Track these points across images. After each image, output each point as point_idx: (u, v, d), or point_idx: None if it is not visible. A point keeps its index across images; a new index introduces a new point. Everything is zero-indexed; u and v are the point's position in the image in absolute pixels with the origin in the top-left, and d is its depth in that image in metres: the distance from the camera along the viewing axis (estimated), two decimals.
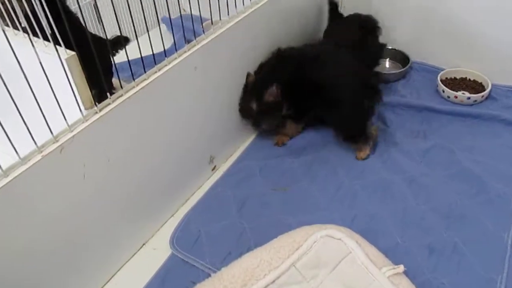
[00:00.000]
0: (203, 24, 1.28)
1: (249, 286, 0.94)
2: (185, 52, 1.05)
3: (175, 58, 1.02)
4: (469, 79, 1.53)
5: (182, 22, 1.17)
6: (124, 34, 1.16)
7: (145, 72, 0.96)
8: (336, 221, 1.11)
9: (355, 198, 1.18)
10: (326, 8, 1.58)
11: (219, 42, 1.12)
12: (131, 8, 0.94)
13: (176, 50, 1.03)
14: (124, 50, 0.96)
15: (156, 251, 1.11)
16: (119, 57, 1.12)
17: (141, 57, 0.94)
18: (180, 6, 1.13)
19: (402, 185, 1.21)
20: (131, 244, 1.10)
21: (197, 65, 1.08)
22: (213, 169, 1.30)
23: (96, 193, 0.93)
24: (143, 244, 1.12)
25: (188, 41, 1.08)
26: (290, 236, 1.03)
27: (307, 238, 1.01)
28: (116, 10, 0.92)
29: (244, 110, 1.31)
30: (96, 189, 0.93)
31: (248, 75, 1.28)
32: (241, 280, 0.95)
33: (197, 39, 1.08)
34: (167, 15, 1.28)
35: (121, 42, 1.11)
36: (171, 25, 1.18)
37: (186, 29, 1.33)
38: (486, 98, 1.47)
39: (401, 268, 0.93)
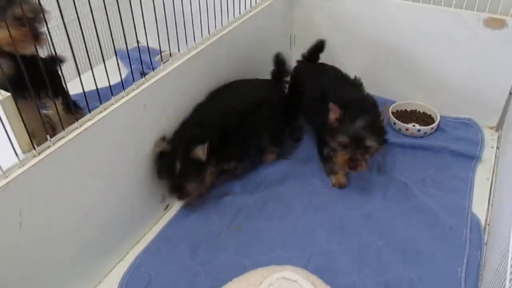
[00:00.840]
0: (162, 55, 1.25)
1: None
2: (133, 90, 1.01)
3: (123, 97, 0.99)
4: (419, 112, 1.58)
5: (129, 57, 1.12)
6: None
7: (89, 111, 0.92)
8: (292, 260, 1.09)
9: (311, 236, 1.16)
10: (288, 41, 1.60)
11: (168, 79, 1.10)
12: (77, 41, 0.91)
13: (123, 89, 1.00)
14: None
15: None
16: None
17: (84, 93, 0.90)
18: (127, 38, 1.10)
19: (358, 221, 1.20)
20: None
21: (146, 103, 1.04)
22: (165, 208, 1.25)
23: (35, 241, 0.86)
24: None
25: (145, 74, 1.06)
26: (245, 279, 0.99)
27: (262, 280, 0.97)
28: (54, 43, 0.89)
29: (164, 170, 1.15)
30: (35, 237, 0.86)
31: (161, 141, 1.14)
32: None
33: (146, 76, 1.05)
34: (121, 48, 1.24)
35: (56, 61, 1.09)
36: (117, 60, 1.14)
37: (140, 62, 1.30)
38: (436, 130, 1.51)
39: None
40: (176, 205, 1.27)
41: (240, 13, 1.39)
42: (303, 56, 1.50)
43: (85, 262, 1.02)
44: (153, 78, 1.06)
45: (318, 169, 1.37)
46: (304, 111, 1.44)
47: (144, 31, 1.04)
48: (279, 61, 1.41)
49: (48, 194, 0.86)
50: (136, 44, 1.17)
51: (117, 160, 1.02)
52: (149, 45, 1.08)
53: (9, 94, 0.76)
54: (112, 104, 0.96)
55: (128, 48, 1.05)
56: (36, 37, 1.00)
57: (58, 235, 0.92)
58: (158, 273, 1.08)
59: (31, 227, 0.84)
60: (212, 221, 1.21)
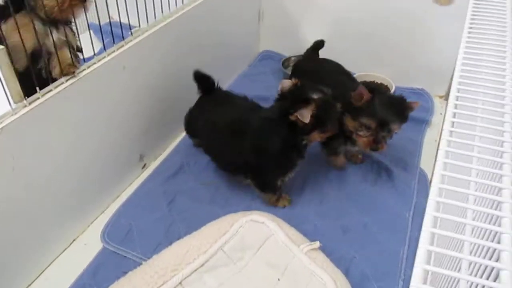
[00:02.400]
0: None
1: (179, 270, 0.99)
2: (113, 51, 1.10)
3: (104, 57, 1.07)
4: (376, 82, 1.71)
5: (111, 27, 1.20)
6: None
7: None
8: (261, 210, 1.20)
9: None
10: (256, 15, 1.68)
11: (147, 43, 1.18)
12: None
13: (105, 50, 1.08)
14: None
15: (87, 246, 1.13)
16: None
17: (72, 49, 0.98)
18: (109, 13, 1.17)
19: (319, 177, 1.33)
20: (61, 240, 1.11)
21: (126, 64, 1.13)
22: (143, 167, 1.34)
23: (25, 186, 0.95)
24: (74, 240, 1.14)
25: None
26: (217, 223, 1.10)
27: (233, 223, 1.09)
28: None
29: None
30: (25, 182, 0.94)
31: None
32: (172, 265, 1.00)
33: (125, 40, 1.13)
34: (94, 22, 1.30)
35: None
36: (101, 30, 1.20)
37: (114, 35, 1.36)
38: None
39: (317, 244, 1.03)
40: (153, 165, 1.37)
41: None
42: (304, 55, 1.57)
43: (70, 212, 1.11)
44: (131, 41, 1.14)
45: None
46: None
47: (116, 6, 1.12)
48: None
49: (37, 142, 0.94)
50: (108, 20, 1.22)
51: (98, 116, 1.10)
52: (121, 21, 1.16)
53: (2, 46, 0.83)
54: (95, 63, 1.04)
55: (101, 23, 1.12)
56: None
57: (47, 183, 1.00)
58: (137, 222, 1.17)
59: (23, 172, 0.92)
60: (188, 177, 1.32)
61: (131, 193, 1.26)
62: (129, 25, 1.19)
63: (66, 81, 0.97)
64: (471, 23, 0.75)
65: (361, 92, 1.15)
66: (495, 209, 0.49)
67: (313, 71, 1.45)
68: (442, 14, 1.54)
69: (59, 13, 0.97)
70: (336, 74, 1.41)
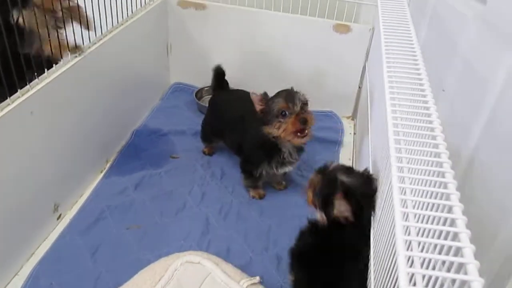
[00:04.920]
0: None
1: None
2: (18, 97, 1.00)
3: (8, 104, 0.98)
4: None
5: None
6: None
7: None
8: (193, 248, 1.17)
9: (207, 225, 1.26)
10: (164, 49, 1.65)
11: (54, 85, 1.10)
12: None
13: (8, 97, 0.98)
14: None
15: None
16: None
17: None
18: None
19: (247, 206, 1.33)
20: None
21: (33, 109, 1.04)
22: (58, 218, 1.23)
23: None
24: None
25: None
26: (150, 269, 1.04)
27: (167, 268, 1.04)
28: None
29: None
30: None
31: None
32: None
33: (30, 84, 1.05)
34: None
35: None
36: None
37: None
38: None
39: (257, 278, 1.03)
40: (70, 214, 1.26)
41: (118, 22, 1.43)
42: (212, 88, 1.54)
43: None
44: (38, 85, 1.06)
45: (204, 162, 1.50)
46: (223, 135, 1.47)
47: None
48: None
49: None
50: None
51: (4, 169, 1.00)
52: None
53: None
54: None
55: None
56: None
57: None
58: (59, 280, 1.07)
59: None
60: (109, 223, 1.23)
61: (47, 249, 1.15)
62: None
63: None
64: (386, 48, 0.80)
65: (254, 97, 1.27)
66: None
67: (229, 101, 1.47)
68: (342, 41, 1.65)
69: None
70: (250, 103, 1.43)
